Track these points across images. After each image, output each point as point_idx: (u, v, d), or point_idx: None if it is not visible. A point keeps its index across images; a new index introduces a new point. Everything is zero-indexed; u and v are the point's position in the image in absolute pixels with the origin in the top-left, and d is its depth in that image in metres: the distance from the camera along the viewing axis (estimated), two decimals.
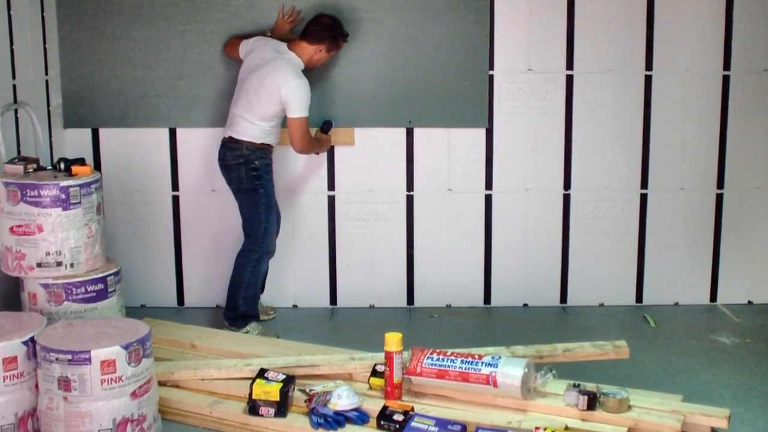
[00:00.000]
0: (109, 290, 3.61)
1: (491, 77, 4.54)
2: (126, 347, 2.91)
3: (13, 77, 3.98)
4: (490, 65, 4.53)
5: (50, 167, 3.70)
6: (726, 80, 4.57)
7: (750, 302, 4.77)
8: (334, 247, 4.68)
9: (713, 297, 4.77)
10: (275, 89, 3.99)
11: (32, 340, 2.99)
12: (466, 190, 4.66)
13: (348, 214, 4.64)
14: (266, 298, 4.63)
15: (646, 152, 4.63)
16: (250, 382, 3.21)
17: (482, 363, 3.13)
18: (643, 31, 4.52)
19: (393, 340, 3.21)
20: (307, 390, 3.27)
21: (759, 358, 4.02)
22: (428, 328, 4.45)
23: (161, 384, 3.31)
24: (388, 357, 3.21)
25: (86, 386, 2.85)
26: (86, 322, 3.22)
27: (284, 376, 3.21)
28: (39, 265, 3.47)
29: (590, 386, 3.12)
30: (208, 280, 4.70)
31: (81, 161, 3.65)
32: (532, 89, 4.56)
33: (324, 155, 4.56)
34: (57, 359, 2.86)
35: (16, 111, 3.98)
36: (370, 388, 3.33)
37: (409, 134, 4.58)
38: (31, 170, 3.58)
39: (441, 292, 4.74)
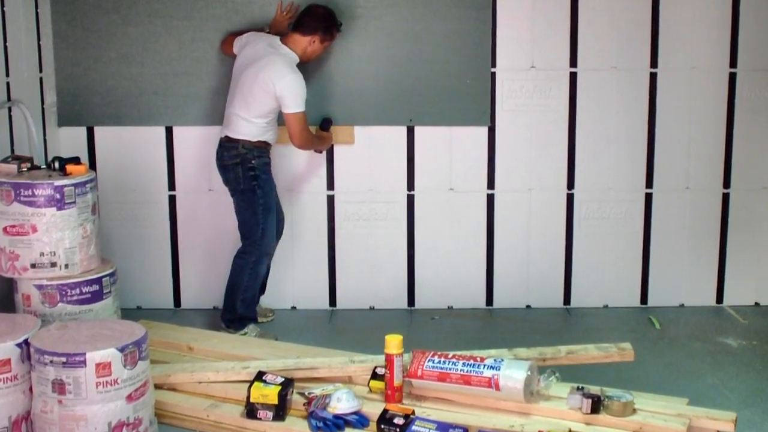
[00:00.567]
0: (105, 291, 3.60)
1: (493, 75, 4.54)
2: (121, 350, 2.91)
3: (7, 75, 3.97)
4: (493, 62, 4.53)
5: (44, 166, 3.69)
6: (732, 78, 4.57)
7: (757, 304, 4.77)
8: (334, 248, 4.67)
9: (719, 298, 4.77)
10: (269, 85, 3.99)
11: (26, 342, 2.99)
12: (467, 189, 4.66)
13: (348, 214, 4.64)
14: (265, 300, 4.63)
15: (651, 151, 4.63)
16: (248, 385, 3.21)
17: (484, 366, 3.13)
18: (648, 27, 4.52)
19: (393, 342, 3.21)
20: (306, 393, 3.27)
21: (766, 361, 4.02)
22: (429, 330, 4.45)
23: (157, 387, 3.31)
24: (389, 359, 3.21)
25: (81, 389, 2.85)
26: (81, 324, 3.22)
27: (283, 379, 3.21)
28: (33, 265, 3.47)
29: (594, 389, 3.12)
30: (206, 282, 4.70)
31: (76, 160, 3.65)
32: (535, 87, 4.56)
33: (324, 154, 4.56)
34: (51, 362, 2.86)
35: (9, 109, 3.98)
36: (370, 391, 3.33)
37: (410, 133, 4.58)
38: (25, 169, 3.58)
39: (442, 294, 4.74)
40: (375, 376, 3.35)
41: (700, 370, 3.93)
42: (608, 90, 4.57)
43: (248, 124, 4.07)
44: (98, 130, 4.59)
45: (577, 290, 4.74)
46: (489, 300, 4.76)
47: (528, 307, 4.76)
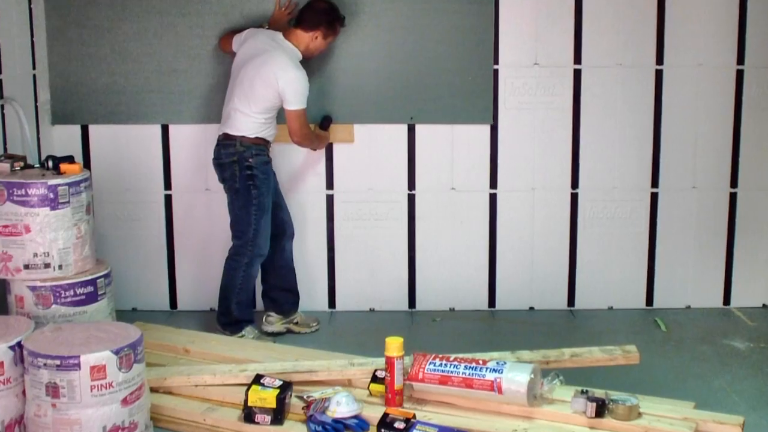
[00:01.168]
0: (99, 293, 3.61)
1: (496, 72, 4.54)
2: (116, 352, 2.91)
3: None
4: (495, 59, 4.53)
5: (38, 165, 3.70)
6: (740, 75, 4.57)
7: (765, 305, 4.77)
8: (333, 249, 4.68)
9: (726, 300, 4.77)
10: (272, 79, 3.99)
11: (19, 344, 2.99)
12: (469, 188, 4.66)
13: (347, 214, 4.64)
14: (261, 301, 4.63)
15: (657, 150, 4.63)
16: (245, 388, 3.21)
17: (486, 368, 3.13)
18: (653, 23, 4.52)
19: (394, 344, 3.21)
20: (305, 397, 3.27)
21: None
22: (430, 332, 4.45)
23: (153, 390, 3.31)
24: (389, 362, 3.21)
25: (75, 393, 2.86)
26: (75, 326, 3.22)
27: (281, 383, 3.21)
28: (26, 266, 3.47)
29: (599, 393, 3.12)
30: (202, 283, 4.70)
31: (70, 159, 3.65)
32: (539, 84, 4.56)
33: (322, 152, 4.56)
34: (45, 365, 2.86)
35: (2, 107, 3.98)
36: (370, 394, 3.33)
37: (411, 131, 4.58)
38: (18, 168, 3.58)
39: (444, 295, 4.74)
40: (375, 379, 3.35)
41: (707, 373, 3.93)
42: (613, 87, 4.57)
43: (247, 120, 4.06)
44: (93, 129, 4.59)
45: (581, 291, 4.75)
46: (491, 301, 4.76)
47: (531, 308, 4.77)
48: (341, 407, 3.15)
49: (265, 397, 3.15)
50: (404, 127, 4.57)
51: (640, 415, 3.05)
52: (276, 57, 4.03)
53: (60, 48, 4.49)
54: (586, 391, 3.13)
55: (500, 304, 4.75)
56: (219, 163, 4.17)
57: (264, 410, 3.15)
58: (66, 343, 2.95)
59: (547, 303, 4.75)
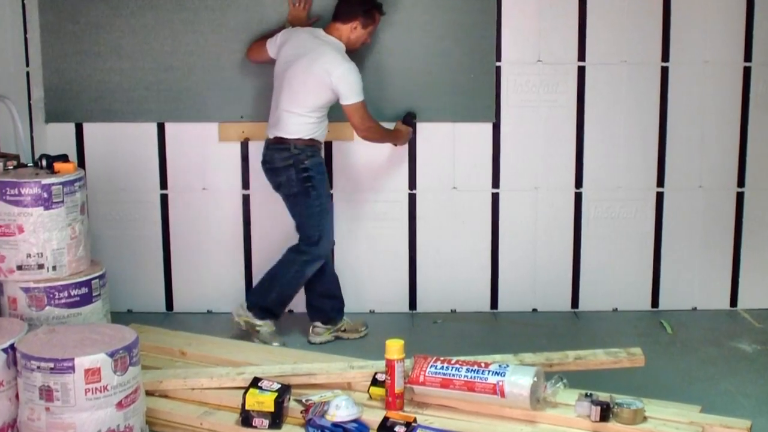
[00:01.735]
0: (94, 294, 3.60)
1: (498, 69, 4.54)
2: (111, 355, 2.91)
3: None
4: (498, 56, 4.53)
5: (31, 164, 3.69)
6: (747, 72, 4.57)
7: None
8: (333, 249, 4.67)
9: (733, 301, 4.77)
10: (324, 75, 3.98)
11: (12, 347, 2.99)
12: (471, 188, 4.66)
13: (347, 214, 4.64)
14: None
15: (663, 148, 4.63)
16: (243, 391, 3.21)
17: (489, 371, 3.13)
18: (659, 19, 4.52)
19: (394, 347, 3.21)
20: (304, 400, 3.27)
21: None
22: (432, 335, 4.45)
23: (149, 394, 3.30)
24: (389, 365, 3.21)
25: (69, 396, 2.85)
26: (69, 328, 3.22)
27: (279, 386, 3.21)
28: (19, 267, 3.46)
29: (603, 396, 3.12)
30: (199, 284, 4.70)
31: (64, 158, 3.64)
32: (542, 81, 4.56)
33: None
34: (38, 367, 2.86)
35: None
36: (370, 398, 3.33)
37: (412, 129, 4.58)
38: (11, 167, 3.58)
39: (445, 297, 4.74)
40: (375, 382, 3.35)
41: (714, 375, 3.93)
42: (618, 85, 4.58)
43: (300, 120, 4.04)
44: (87, 127, 4.59)
45: (585, 293, 4.75)
46: (494, 303, 4.76)
47: (534, 310, 4.77)
48: (341, 411, 3.14)
49: (263, 400, 3.15)
50: None
51: (645, 419, 3.05)
52: (325, 53, 4.02)
53: (54, 45, 4.49)
54: (591, 394, 3.12)
55: (503, 306, 4.75)
56: (273, 168, 4.14)
57: (262, 414, 3.15)
58: (60, 346, 2.95)
59: (550, 304, 4.75)
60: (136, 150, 4.61)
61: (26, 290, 3.48)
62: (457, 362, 3.21)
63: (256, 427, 3.15)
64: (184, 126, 4.58)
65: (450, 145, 4.61)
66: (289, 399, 3.25)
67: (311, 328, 4.31)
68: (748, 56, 4.55)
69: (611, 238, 4.70)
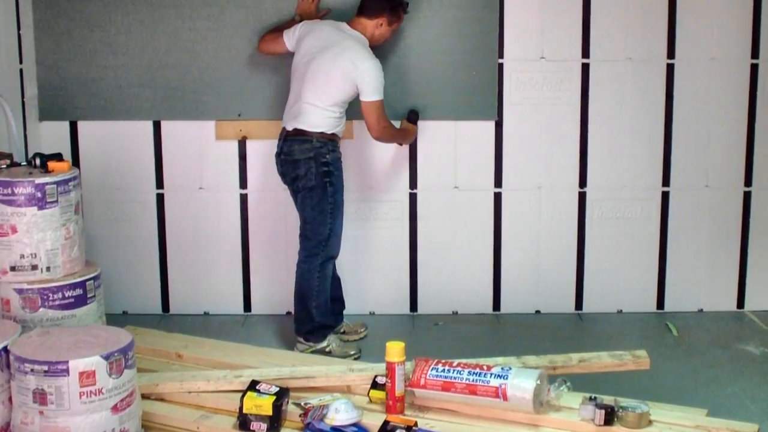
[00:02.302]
0: (89, 296, 3.60)
1: (501, 66, 4.55)
2: (107, 357, 2.91)
3: None
4: (500, 53, 4.53)
5: (25, 163, 3.69)
6: (754, 69, 4.57)
7: None
8: None
9: (740, 303, 4.77)
10: (350, 69, 3.98)
11: (5, 349, 2.99)
12: (473, 187, 4.66)
13: (346, 214, 4.62)
14: (257, 305, 4.65)
15: (668, 147, 4.63)
16: (240, 395, 3.21)
17: (491, 374, 3.13)
18: (665, 16, 4.52)
19: (395, 349, 3.21)
20: (302, 403, 3.27)
21: None
22: (433, 337, 4.46)
23: (144, 397, 3.31)
24: (390, 368, 3.21)
25: (63, 399, 2.85)
26: (64, 330, 3.22)
27: (277, 389, 3.21)
28: (12, 268, 3.46)
29: (608, 399, 3.12)
30: (195, 285, 4.70)
31: (58, 156, 3.64)
32: (545, 79, 4.56)
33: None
34: (32, 370, 2.86)
35: None
36: (370, 401, 3.33)
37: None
38: (4, 166, 3.57)
39: (446, 298, 4.74)
40: (375, 385, 3.35)
41: (720, 379, 3.93)
42: (623, 82, 4.58)
43: (323, 114, 4.04)
44: (82, 125, 4.59)
45: (589, 294, 4.75)
46: (496, 305, 4.76)
47: (537, 312, 4.77)
48: (340, 414, 3.14)
49: (261, 404, 3.15)
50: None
51: (650, 422, 3.05)
52: (351, 47, 4.03)
53: (48, 41, 4.49)
54: (595, 397, 3.12)
55: (505, 308, 4.75)
56: (292, 160, 4.10)
57: (260, 418, 3.15)
58: (54, 348, 2.95)
59: (554, 306, 4.75)
60: (131, 148, 4.61)
61: (19, 291, 3.48)
62: (458, 365, 3.21)
63: (254, 430, 3.15)
64: (181, 124, 4.58)
65: (451, 144, 4.61)
66: (288, 402, 3.25)
67: (297, 339, 4.28)
68: (755, 53, 4.55)
69: (616, 238, 4.70)
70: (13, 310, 3.49)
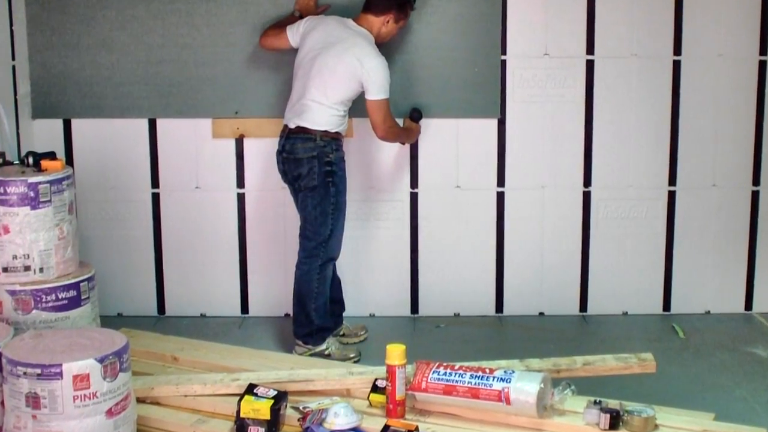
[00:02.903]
0: (83, 297, 3.60)
1: (504, 62, 4.55)
2: (101, 360, 2.91)
3: None
4: (503, 49, 4.53)
5: (17, 162, 3.69)
6: (762, 66, 4.57)
7: None
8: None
9: (748, 305, 4.77)
10: (356, 66, 3.98)
11: None
12: (476, 187, 4.66)
13: (346, 214, 4.63)
14: (255, 306, 4.64)
15: (675, 145, 4.63)
16: (237, 398, 3.21)
17: (494, 378, 3.13)
18: (671, 11, 4.52)
19: (395, 352, 3.21)
20: (301, 407, 3.27)
21: None
22: (434, 339, 4.46)
23: (140, 401, 3.31)
24: (390, 371, 3.21)
25: (57, 403, 2.85)
26: (57, 332, 3.22)
27: (275, 393, 3.21)
28: (5, 269, 3.46)
29: (613, 403, 3.12)
30: (191, 287, 4.70)
31: (51, 155, 3.65)
32: (549, 76, 4.56)
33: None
34: (25, 373, 2.86)
35: None
36: (370, 405, 3.33)
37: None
38: None
39: (448, 300, 4.74)
40: (375, 388, 3.35)
41: (728, 382, 3.93)
42: (628, 79, 4.58)
43: (327, 112, 4.03)
44: (75, 123, 4.59)
45: (594, 296, 4.75)
46: (499, 307, 4.76)
47: (541, 314, 4.77)
48: (339, 419, 3.14)
49: (258, 408, 3.15)
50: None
51: (656, 427, 3.05)
52: (357, 43, 4.03)
53: (41, 37, 4.49)
54: (600, 401, 3.12)
55: (508, 310, 4.75)
56: (295, 158, 4.09)
57: (257, 422, 3.15)
58: (47, 351, 2.95)
59: (557, 308, 4.75)
60: (126, 147, 4.61)
61: (12, 293, 3.48)
62: (460, 368, 3.21)
63: None
64: (177, 122, 4.58)
65: (453, 142, 4.61)
66: (286, 406, 3.25)
67: (295, 342, 4.28)
68: (763, 49, 4.55)
69: (621, 238, 4.70)
70: (5, 311, 3.49)
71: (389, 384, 3.22)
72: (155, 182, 4.65)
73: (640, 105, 4.60)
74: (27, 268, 3.48)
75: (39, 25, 4.48)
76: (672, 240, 4.71)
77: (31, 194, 3.44)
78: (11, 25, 4.34)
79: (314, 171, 4.06)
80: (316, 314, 4.15)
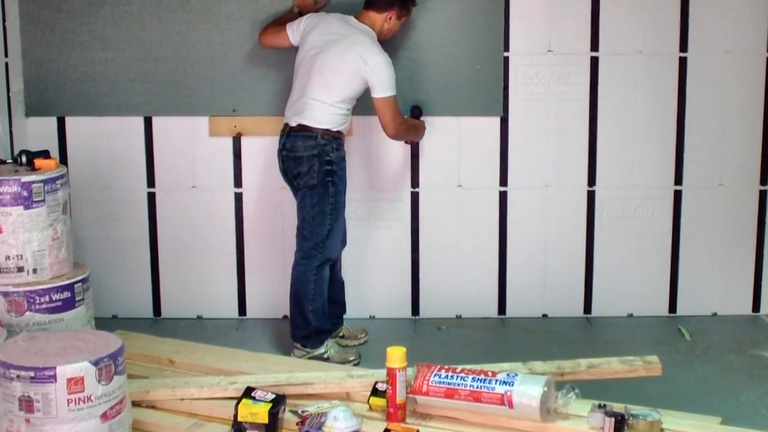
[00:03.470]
0: (77, 299, 3.60)
1: (506, 59, 4.55)
2: (96, 363, 2.91)
3: None
4: (506, 46, 4.53)
5: (10, 161, 3.70)
6: None
7: None
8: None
9: (756, 306, 4.77)
10: (360, 64, 3.98)
11: None
12: (478, 186, 4.66)
13: (346, 214, 4.63)
14: (253, 308, 4.65)
15: (681, 144, 4.63)
16: (235, 402, 3.21)
17: (496, 381, 3.13)
18: (677, 6, 4.52)
19: (396, 354, 3.21)
20: (300, 411, 3.27)
21: None
22: (436, 342, 4.46)
23: (135, 404, 3.31)
24: (391, 374, 3.21)
25: (51, 407, 2.85)
26: (51, 334, 3.22)
27: (273, 396, 3.21)
28: None
29: (618, 407, 3.12)
30: (188, 288, 4.70)
31: (45, 154, 3.65)
32: (553, 73, 4.56)
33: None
34: (18, 376, 2.86)
35: None
36: (370, 408, 3.33)
37: None
38: None
39: (450, 301, 4.74)
40: (375, 392, 3.35)
41: (735, 385, 3.93)
42: (633, 76, 4.58)
43: (329, 110, 4.03)
44: (70, 121, 4.59)
45: (598, 298, 4.75)
46: (501, 308, 4.76)
47: (544, 316, 4.77)
48: (339, 422, 3.14)
49: (256, 411, 3.15)
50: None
51: (662, 431, 3.05)
52: (360, 41, 4.03)
53: (34, 34, 4.49)
54: (604, 405, 3.12)
55: (511, 311, 4.75)
56: (295, 157, 4.09)
57: (255, 426, 3.15)
58: (41, 354, 2.95)
59: (561, 310, 4.75)
60: (121, 146, 4.61)
61: (5, 294, 3.48)
62: (462, 371, 3.22)
63: None
64: (173, 120, 4.58)
65: (455, 141, 4.61)
66: (284, 410, 3.25)
67: (294, 345, 4.28)
68: None
69: (626, 239, 4.70)
70: None
71: (390, 387, 3.22)
72: (151, 181, 4.65)
73: (645, 103, 4.60)
74: (20, 269, 3.49)
75: (32, 21, 4.48)
76: (678, 240, 4.71)
77: (25, 194, 3.44)
78: (4, 21, 4.34)
79: (314, 169, 4.06)
80: (313, 316, 4.15)
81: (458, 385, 3.16)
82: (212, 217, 4.66)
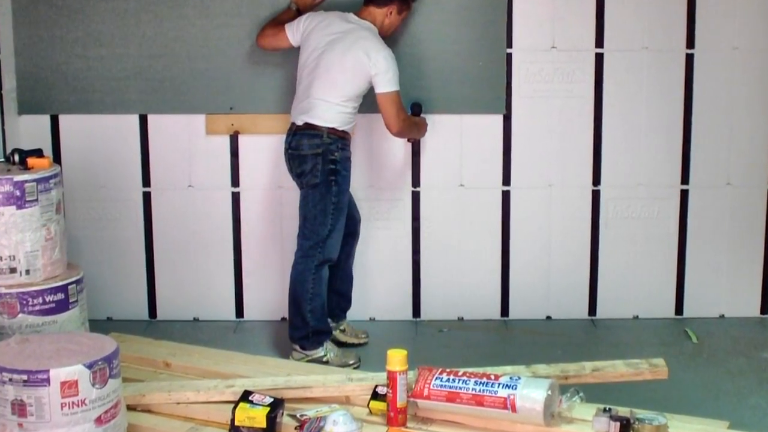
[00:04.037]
0: (71, 301, 3.60)
1: (509, 56, 4.55)
2: (90, 366, 2.91)
3: None
4: (509, 42, 4.54)
5: (3, 159, 3.70)
6: None
7: None
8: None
9: (764, 308, 4.78)
10: (364, 60, 4.00)
11: None
12: (480, 185, 4.66)
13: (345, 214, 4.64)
14: (250, 310, 4.65)
15: (688, 143, 4.64)
16: (232, 406, 3.21)
17: (499, 384, 3.13)
18: (684, 2, 4.52)
19: (397, 357, 3.21)
20: (298, 415, 3.27)
21: None
22: (437, 344, 4.46)
23: (130, 408, 3.31)
24: (391, 377, 3.21)
25: (44, 411, 2.85)
26: (44, 337, 3.22)
27: (272, 400, 3.21)
28: None
29: (623, 411, 3.12)
30: (184, 289, 4.71)
31: (38, 152, 3.65)
32: (557, 70, 4.56)
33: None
34: (10, 380, 2.86)
35: None
36: (371, 412, 3.33)
37: None
38: None
39: (452, 303, 4.74)
40: (376, 396, 3.35)
41: (743, 389, 3.93)
42: (639, 73, 4.58)
43: (335, 109, 4.05)
44: (63, 119, 4.59)
45: (603, 299, 4.75)
46: (504, 310, 4.76)
47: (548, 318, 4.77)
48: (338, 427, 3.14)
49: (254, 415, 3.15)
50: None
51: None
52: (363, 37, 4.05)
53: (27, 30, 4.49)
54: (609, 409, 3.12)
55: (514, 313, 4.76)
56: (299, 155, 4.11)
57: (253, 430, 3.15)
58: (34, 356, 2.95)
59: (565, 312, 4.75)
60: (116, 144, 4.61)
61: None
62: (464, 374, 3.21)
63: None
64: (169, 118, 4.59)
65: (457, 139, 4.62)
66: (283, 414, 3.25)
67: (292, 347, 4.28)
68: None
69: (632, 239, 4.70)
70: None
71: (390, 391, 3.22)
72: (146, 181, 4.65)
73: (651, 100, 4.60)
74: (12, 270, 3.48)
75: (25, 17, 4.48)
76: (684, 241, 4.71)
77: (17, 193, 3.44)
78: None
79: (318, 168, 4.07)
80: (311, 316, 4.16)
81: (460, 388, 3.16)
82: (209, 217, 4.66)
